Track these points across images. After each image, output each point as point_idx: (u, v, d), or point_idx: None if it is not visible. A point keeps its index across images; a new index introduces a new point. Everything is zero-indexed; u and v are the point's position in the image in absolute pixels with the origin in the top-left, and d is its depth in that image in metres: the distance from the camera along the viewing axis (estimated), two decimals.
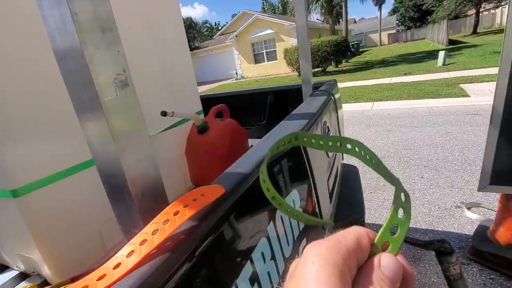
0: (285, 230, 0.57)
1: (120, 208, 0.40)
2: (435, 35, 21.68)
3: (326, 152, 0.91)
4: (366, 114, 6.00)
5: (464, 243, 2.07)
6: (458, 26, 29.23)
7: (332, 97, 1.22)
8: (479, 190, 1.78)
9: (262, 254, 0.47)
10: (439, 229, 2.27)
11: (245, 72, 20.49)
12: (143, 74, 1.34)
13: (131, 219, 0.39)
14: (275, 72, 19.02)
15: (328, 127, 0.98)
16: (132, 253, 0.30)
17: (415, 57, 14.70)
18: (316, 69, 14.63)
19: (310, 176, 0.71)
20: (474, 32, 24.04)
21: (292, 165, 0.64)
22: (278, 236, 0.54)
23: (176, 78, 1.52)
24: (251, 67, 20.28)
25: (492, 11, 28.71)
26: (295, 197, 0.63)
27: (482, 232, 1.96)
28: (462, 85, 6.74)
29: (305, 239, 0.67)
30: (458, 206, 2.50)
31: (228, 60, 21.40)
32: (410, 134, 4.36)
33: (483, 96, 5.42)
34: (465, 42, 17.50)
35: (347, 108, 6.71)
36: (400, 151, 3.81)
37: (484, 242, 1.88)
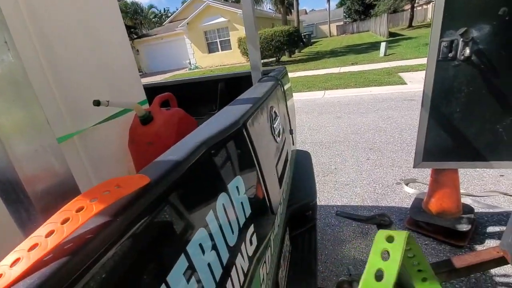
0: (228, 219, 0.55)
1: (16, 210, 0.33)
2: (377, 28, 23.38)
3: (274, 137, 0.91)
4: (318, 102, 6.26)
5: (403, 215, 2.29)
6: (397, 20, 31.89)
7: (280, 83, 1.22)
8: (414, 167, 1.97)
9: (201, 245, 0.44)
10: (383, 205, 2.48)
11: (199, 62, 19.83)
12: (74, 62, 1.18)
13: (32, 223, 0.33)
14: (230, 61, 18.76)
15: (275, 112, 0.97)
16: (17, 261, 0.24)
17: (360, 48, 15.71)
18: (270, 59, 14.78)
19: (255, 162, 0.70)
20: (410, 25, 26.48)
21: (235, 151, 0.61)
22: (220, 225, 0.51)
23: (113, 66, 1.38)
24: (205, 56, 19.69)
25: (424, 6, 31.86)
26: (239, 184, 0.60)
27: (417, 204, 2.20)
28: (400, 74, 7.40)
29: (252, 225, 0.66)
30: (398, 183, 2.76)
31: (180, 49, 20.44)
32: (357, 119, 4.67)
33: (417, 84, 6.03)
34: (403, 35, 19.19)
35: (301, 97, 6.92)
36: (349, 136, 4.07)
37: (419, 212, 2.11)
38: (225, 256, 0.51)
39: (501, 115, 1.68)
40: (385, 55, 11.03)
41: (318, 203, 2.66)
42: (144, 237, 0.33)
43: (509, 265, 1.23)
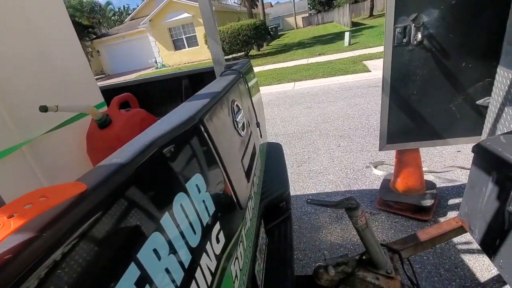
0: (189, 219, 0.52)
1: None
2: (340, 18, 24.02)
3: (237, 131, 0.89)
4: (289, 94, 6.33)
5: (374, 196, 2.40)
6: (358, 10, 32.97)
7: (243, 76, 1.20)
8: (380, 150, 2.06)
9: (155, 251, 0.42)
10: (355, 189, 2.58)
11: (165, 60, 19.18)
12: (17, 66, 1.08)
13: None
14: (198, 58, 18.34)
15: (237, 106, 0.95)
16: None
17: (326, 39, 16.07)
18: (239, 54, 14.66)
19: (216, 157, 0.68)
20: (371, 14, 27.52)
21: (192, 148, 0.59)
22: (179, 227, 0.49)
23: (63, 69, 1.28)
24: (172, 54, 19.07)
25: None
26: (199, 182, 0.58)
27: (386, 184, 2.31)
28: (364, 62, 7.69)
29: (218, 223, 0.64)
30: (367, 166, 2.87)
31: (144, 48, 19.62)
32: (327, 109, 4.79)
33: (380, 71, 6.28)
34: (365, 24, 19.90)
35: (272, 90, 6.95)
36: (320, 125, 4.16)
37: (387, 192, 2.22)
38: (186, 258, 0.49)
39: (453, 95, 1.80)
40: (349, 44, 11.38)
41: (294, 193, 2.71)
42: (80, 251, 0.30)
43: (467, 233, 1.33)
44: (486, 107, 1.77)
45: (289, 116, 4.83)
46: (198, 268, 0.53)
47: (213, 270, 0.59)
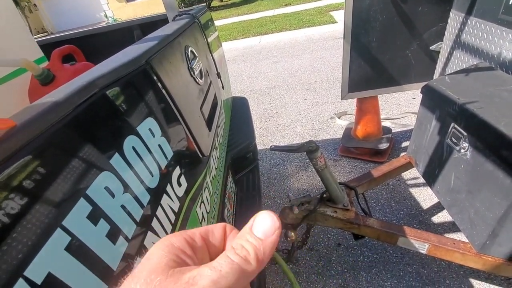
0: (144, 161, 0.52)
1: None
2: None
3: (194, 79, 0.86)
4: (256, 48, 6.10)
5: (337, 144, 2.54)
6: None
7: (198, 21, 1.12)
8: (342, 99, 2.14)
9: (107, 188, 0.42)
10: (320, 139, 2.71)
11: (117, 14, 17.11)
12: None
13: None
14: (155, 10, 16.58)
15: (192, 52, 0.91)
16: None
17: None
18: (200, 5, 13.48)
19: (171, 102, 0.66)
20: None
21: (140, 90, 0.56)
22: (132, 168, 0.49)
23: None
24: (123, 6, 17.01)
25: None
26: (152, 126, 0.57)
27: (348, 133, 2.45)
28: (331, 13, 7.50)
29: (178, 167, 0.65)
30: (332, 117, 2.99)
31: (91, 0, 17.24)
32: (294, 62, 4.73)
33: None
34: None
35: (238, 45, 6.64)
36: (287, 79, 4.15)
37: (349, 140, 2.37)
38: (144, 197, 0.50)
39: (409, 41, 1.85)
40: None
41: (263, 147, 2.79)
42: (12, 187, 0.29)
43: (414, 168, 1.50)
44: (439, 52, 1.86)
45: (256, 71, 4.73)
46: (159, 207, 0.54)
47: (176, 210, 0.61)
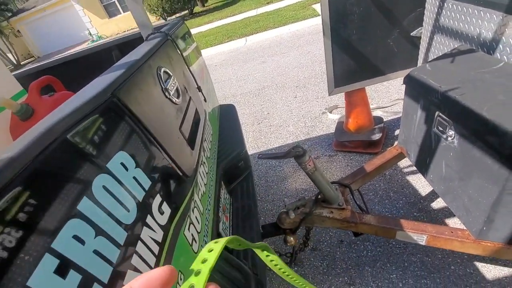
0: (116, 199, 0.51)
1: None
2: None
3: (170, 99, 0.85)
4: (241, 50, 6.09)
5: (331, 140, 2.53)
6: None
7: (171, 38, 1.11)
8: (329, 94, 2.13)
9: (77, 237, 0.41)
10: (314, 135, 2.70)
11: (101, 31, 17.07)
12: None
13: None
14: None
15: (166, 72, 0.90)
16: None
17: None
18: (183, 12, 13.46)
19: (143, 130, 0.65)
20: None
21: (107, 126, 0.55)
22: (104, 209, 0.48)
23: None
24: (106, 22, 16.94)
25: None
26: (124, 160, 0.56)
27: (340, 127, 2.44)
28: (313, 6, 7.48)
29: (158, 195, 0.64)
30: (323, 112, 2.98)
31: (73, 19, 17.12)
32: (281, 61, 4.72)
33: None
34: None
35: (224, 49, 6.63)
36: (276, 78, 4.14)
37: (342, 134, 2.36)
38: (120, 236, 0.49)
39: (389, 30, 1.85)
40: None
41: (257, 150, 2.78)
42: None
43: (406, 158, 1.49)
44: (420, 38, 1.85)
45: (244, 74, 4.72)
46: (139, 242, 0.53)
47: (160, 240, 0.60)
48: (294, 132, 2.85)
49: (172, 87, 0.88)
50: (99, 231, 0.45)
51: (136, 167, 0.59)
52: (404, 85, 2.96)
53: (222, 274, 0.93)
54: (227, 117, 1.85)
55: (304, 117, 3.02)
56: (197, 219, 0.86)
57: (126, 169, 0.56)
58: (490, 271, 1.33)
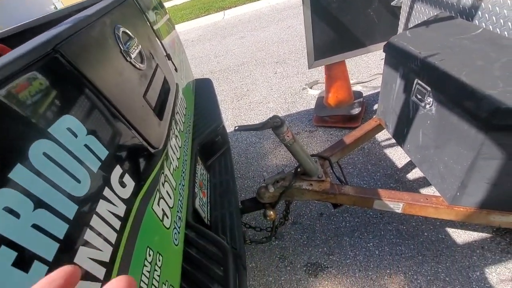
0: (63, 167, 0.44)
1: None
2: None
3: (131, 63, 0.76)
4: (220, 25, 5.82)
5: (311, 115, 2.51)
6: None
7: (134, 0, 0.99)
8: (309, 68, 2.07)
9: (8, 209, 0.34)
10: (294, 111, 2.66)
11: (68, 3, 15.70)
12: None
13: None
14: None
15: (125, 33, 0.79)
16: None
17: None
18: None
19: (96, 93, 0.57)
20: None
21: (47, 85, 0.47)
22: (46, 178, 0.41)
23: None
24: None
25: None
26: (71, 125, 0.48)
27: (320, 102, 2.41)
28: None
29: (118, 166, 0.58)
30: (304, 88, 2.94)
31: None
32: (260, 35, 4.56)
33: None
34: None
35: (201, 23, 6.31)
36: (255, 54, 4.00)
37: (322, 109, 2.34)
38: (68, 209, 0.43)
39: None
40: None
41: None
42: None
43: (385, 131, 1.49)
44: (400, 8, 1.81)
45: (222, 49, 4.53)
46: (94, 215, 0.48)
47: (121, 215, 0.54)
48: (275, 108, 2.80)
49: (133, 50, 0.79)
50: (39, 203, 0.38)
51: (88, 134, 0.51)
52: (382, 60, 2.95)
53: (198, 249, 0.89)
54: (203, 91, 1.76)
55: (284, 93, 2.96)
56: (168, 194, 0.80)
57: (75, 135, 0.49)
58: (460, 236, 1.40)
